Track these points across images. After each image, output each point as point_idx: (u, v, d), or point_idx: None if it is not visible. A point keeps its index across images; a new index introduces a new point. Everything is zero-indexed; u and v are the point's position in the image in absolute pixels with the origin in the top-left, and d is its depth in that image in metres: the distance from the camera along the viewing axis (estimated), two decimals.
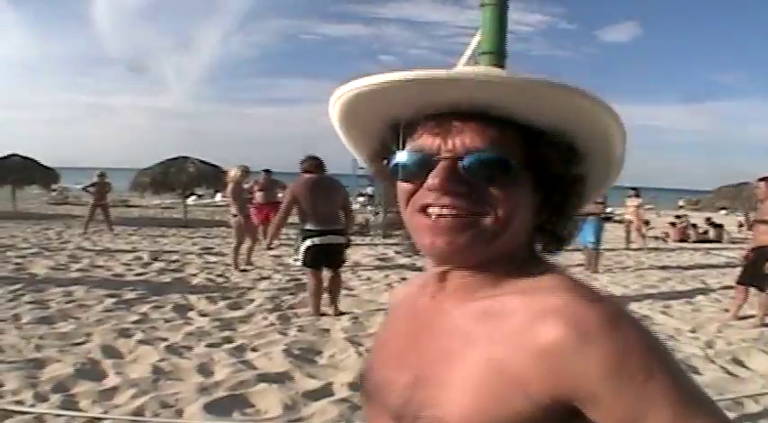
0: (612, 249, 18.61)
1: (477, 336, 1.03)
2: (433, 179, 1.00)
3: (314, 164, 8.41)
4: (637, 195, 20.40)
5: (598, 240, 14.06)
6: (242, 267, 12.64)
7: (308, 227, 8.23)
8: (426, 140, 1.04)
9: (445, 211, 1.01)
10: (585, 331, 0.92)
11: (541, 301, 0.99)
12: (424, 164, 1.03)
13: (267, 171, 16.83)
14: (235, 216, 12.91)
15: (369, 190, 33.44)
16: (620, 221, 22.70)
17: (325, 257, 8.39)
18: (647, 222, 23.86)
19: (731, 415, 5.27)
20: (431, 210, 1.03)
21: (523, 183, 1.03)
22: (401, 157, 1.07)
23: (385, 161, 1.12)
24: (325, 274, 8.56)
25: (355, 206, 29.58)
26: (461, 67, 1.11)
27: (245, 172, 13.36)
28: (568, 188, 1.09)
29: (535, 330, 0.95)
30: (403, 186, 1.07)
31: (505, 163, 1.01)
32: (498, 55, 2.39)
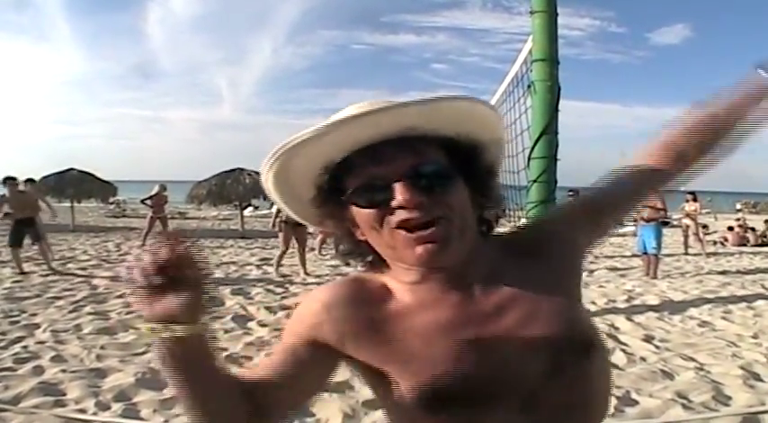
0: (671, 255, 18.38)
1: (522, 276, 1.33)
2: (398, 198, 1.19)
3: None
4: (694, 199, 20.11)
5: (659, 246, 13.91)
6: (281, 273, 13.09)
7: None
8: (372, 170, 1.23)
9: (418, 217, 1.19)
10: None
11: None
12: (382, 189, 1.21)
13: None
14: (284, 222, 13.08)
15: None
16: (678, 226, 22.38)
17: None
18: (705, 226, 23.52)
19: None
20: (410, 223, 1.20)
21: (458, 183, 1.27)
22: (354, 190, 1.25)
23: (327, 207, 1.32)
24: None
25: None
26: (376, 103, 1.23)
27: None
28: (487, 177, 1.37)
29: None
30: (369, 213, 1.24)
31: (443, 170, 1.25)
32: (550, 61, 2.40)
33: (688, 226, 19.94)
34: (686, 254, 18.98)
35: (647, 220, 14.08)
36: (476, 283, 1.31)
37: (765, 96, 1.51)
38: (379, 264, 1.38)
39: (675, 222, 24.14)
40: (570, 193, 18.53)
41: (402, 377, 1.24)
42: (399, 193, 1.18)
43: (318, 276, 13.00)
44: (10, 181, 13.87)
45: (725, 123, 1.51)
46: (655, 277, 13.55)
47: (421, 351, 1.25)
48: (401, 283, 1.34)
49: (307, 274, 13.06)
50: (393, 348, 1.27)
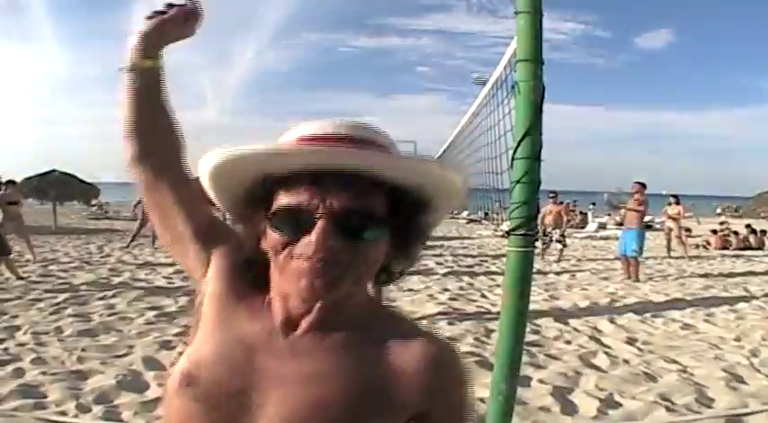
0: (654, 257, 18.49)
1: (347, 360, 1.22)
2: (312, 237, 1.12)
3: None
4: (677, 202, 20.23)
5: (640, 249, 14.00)
6: None
7: None
8: (303, 196, 1.15)
9: (320, 260, 1.12)
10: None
11: (398, 332, 1.28)
12: (302, 220, 1.14)
13: None
14: None
15: None
16: (660, 229, 22.50)
17: None
18: (688, 230, 23.69)
19: None
20: (307, 261, 1.13)
21: (385, 237, 1.20)
22: (278, 211, 1.18)
23: (249, 209, 1.26)
24: None
25: None
26: (347, 131, 1.21)
27: None
28: (417, 237, 1.29)
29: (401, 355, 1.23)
30: (278, 237, 1.17)
31: (376, 224, 1.17)
32: (535, 61, 2.39)
33: (671, 229, 20.05)
34: (669, 257, 19.09)
35: (630, 224, 14.20)
36: (315, 325, 1.23)
37: None
38: (261, 277, 1.29)
39: (658, 225, 24.27)
40: (551, 195, 18.50)
41: (196, 339, 1.29)
42: (317, 234, 1.12)
43: None
44: None
45: None
46: (637, 280, 13.62)
47: (219, 337, 1.26)
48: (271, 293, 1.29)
49: None
50: (212, 316, 1.30)
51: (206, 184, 1.32)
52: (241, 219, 1.32)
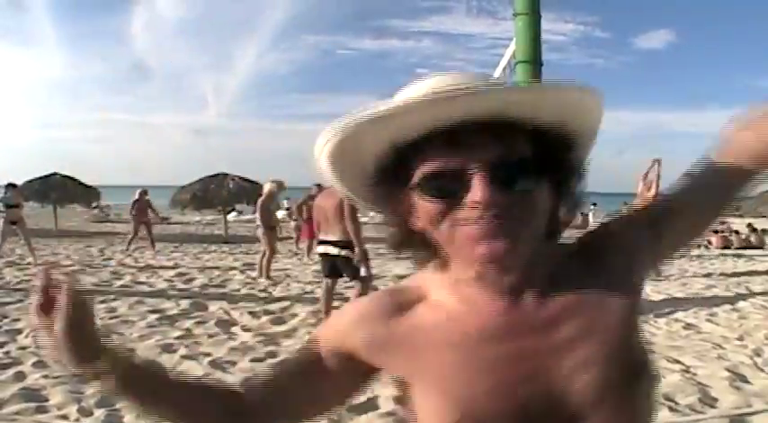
0: None
1: (590, 301, 1.17)
2: (476, 194, 1.02)
3: None
4: None
5: None
6: (273, 278, 13.02)
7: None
8: (449, 157, 1.05)
9: (491, 218, 1.02)
10: None
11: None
12: (456, 181, 1.04)
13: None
14: (258, 227, 13.15)
15: None
16: None
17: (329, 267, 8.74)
18: None
19: None
20: (480, 221, 1.03)
21: (543, 182, 1.09)
22: (426, 177, 1.07)
23: (383, 187, 1.16)
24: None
25: None
26: (467, 78, 1.09)
27: (280, 186, 13.52)
28: (572, 176, 1.17)
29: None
30: (434, 205, 1.07)
31: (532, 167, 1.06)
32: (534, 63, 2.39)
33: None
34: None
35: None
36: (530, 291, 1.16)
37: None
38: (429, 258, 1.21)
39: None
40: None
41: (431, 393, 1.16)
42: (477, 189, 1.02)
43: (301, 282, 12.95)
44: None
45: None
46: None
47: (456, 364, 1.14)
48: (446, 288, 1.21)
49: (269, 278, 13.00)
50: (425, 362, 1.17)
51: (327, 168, 1.18)
52: (377, 200, 1.22)
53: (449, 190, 1.05)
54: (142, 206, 20.09)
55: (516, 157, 1.05)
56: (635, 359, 1.16)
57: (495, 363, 1.13)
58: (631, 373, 1.13)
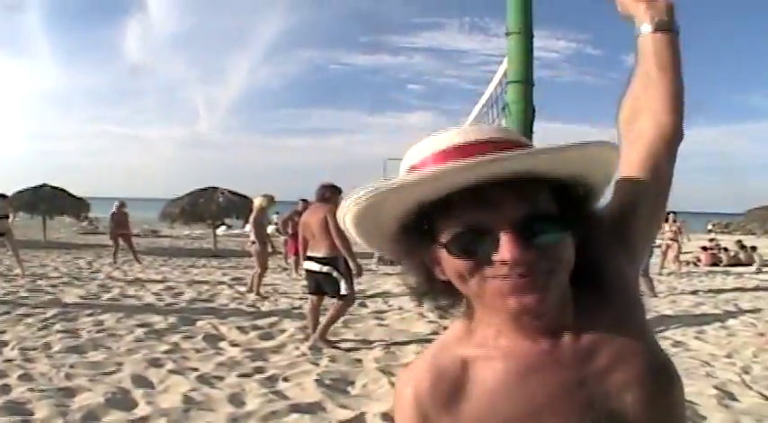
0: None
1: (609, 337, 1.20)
2: (505, 253, 1.04)
3: (327, 192, 8.72)
4: (674, 220, 20.28)
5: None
6: (262, 294, 12.99)
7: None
8: (475, 215, 1.08)
9: (521, 275, 1.05)
10: None
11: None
12: (482, 238, 1.07)
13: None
14: (253, 243, 13.11)
15: None
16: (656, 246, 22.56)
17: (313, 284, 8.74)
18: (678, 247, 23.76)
19: None
20: (507, 279, 1.06)
21: (569, 234, 1.12)
22: (454, 237, 1.09)
23: (408, 244, 1.19)
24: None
25: None
26: (494, 140, 1.13)
27: (270, 200, 13.51)
28: (591, 222, 1.20)
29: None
30: (461, 263, 1.10)
31: (558, 221, 1.10)
32: (525, 83, 2.39)
33: (669, 246, 20.07)
34: (660, 274, 19.09)
35: None
36: (562, 327, 1.20)
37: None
38: (453, 306, 1.27)
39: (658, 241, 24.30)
40: None
41: None
42: (507, 248, 1.04)
43: (290, 297, 12.96)
44: None
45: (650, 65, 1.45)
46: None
47: (521, 407, 1.16)
48: (481, 338, 1.24)
49: (258, 294, 12.96)
50: (488, 413, 1.18)
51: (352, 230, 1.21)
52: (402, 255, 1.25)
53: (477, 248, 1.08)
54: (121, 219, 20.08)
55: (541, 214, 1.09)
56: (663, 370, 1.21)
57: (554, 397, 1.15)
58: (664, 382, 1.20)
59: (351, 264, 8.33)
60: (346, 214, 1.15)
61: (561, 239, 1.10)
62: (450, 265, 1.12)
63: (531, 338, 1.18)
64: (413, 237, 1.17)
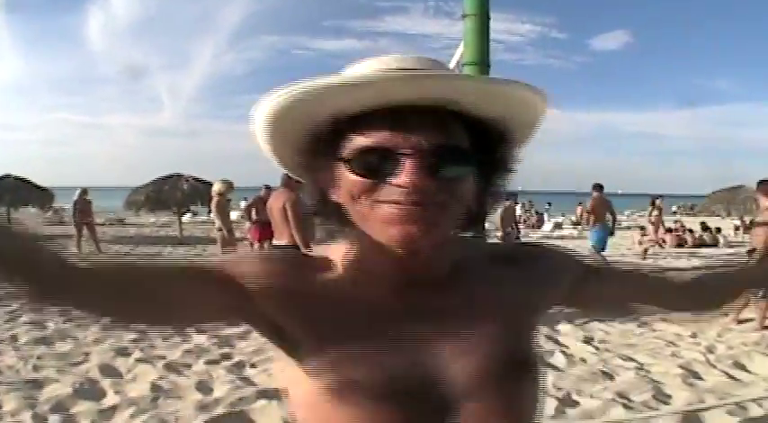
0: (610, 257, 18.69)
1: (493, 293, 1.25)
2: (403, 178, 1.02)
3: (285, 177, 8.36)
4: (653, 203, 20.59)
5: (599, 247, 14.35)
6: None
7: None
8: (385, 136, 1.06)
9: (414, 200, 1.03)
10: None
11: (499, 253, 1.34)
12: (387, 160, 1.05)
13: (268, 187, 14.75)
14: (219, 230, 13.01)
15: None
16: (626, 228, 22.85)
17: None
18: (642, 228, 24.06)
19: (735, 420, 5.29)
20: (401, 202, 1.04)
21: (473, 173, 1.11)
22: (358, 152, 1.07)
23: (314, 156, 1.15)
24: None
25: None
26: (425, 62, 1.14)
27: (229, 186, 13.43)
28: (502, 170, 1.20)
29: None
30: (359, 181, 1.07)
31: (465, 158, 1.09)
32: (482, 65, 2.39)
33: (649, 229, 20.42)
34: (624, 255, 19.27)
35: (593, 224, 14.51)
36: (431, 277, 1.19)
37: None
38: (340, 232, 1.21)
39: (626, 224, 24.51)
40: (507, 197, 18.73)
41: (319, 356, 1.15)
42: (408, 173, 1.02)
43: None
44: None
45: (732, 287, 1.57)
46: None
47: (348, 336, 1.16)
48: (351, 263, 1.22)
49: None
50: (320, 326, 1.17)
51: (261, 129, 1.18)
52: (303, 169, 1.21)
53: (378, 168, 1.06)
54: (84, 207, 19.80)
55: (452, 147, 1.07)
56: (519, 359, 1.21)
57: (383, 341, 1.15)
58: (512, 369, 1.18)
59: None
60: (260, 113, 1.14)
61: (465, 174, 1.09)
62: (348, 182, 1.09)
63: (396, 277, 1.18)
64: (318, 150, 1.14)
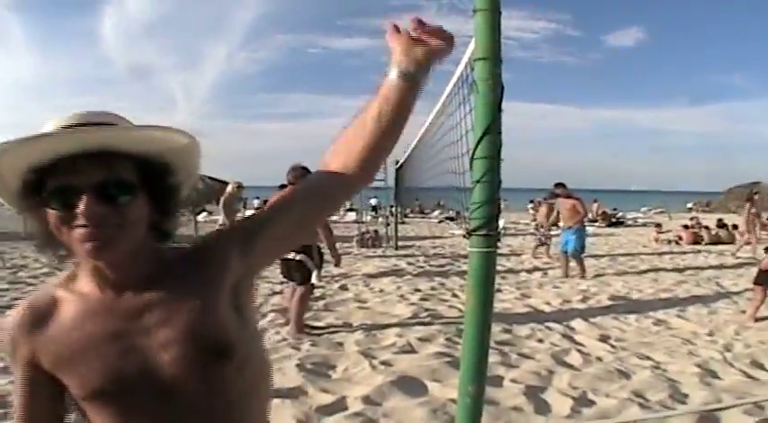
0: (626, 254, 18.59)
1: (172, 285, 1.52)
2: (81, 207, 1.35)
3: (297, 174, 8.51)
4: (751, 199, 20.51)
5: (581, 247, 14.29)
6: None
7: None
8: (67, 177, 1.37)
9: (92, 225, 1.36)
10: None
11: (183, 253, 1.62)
12: (70, 196, 1.37)
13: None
14: (222, 226, 13.03)
15: (373, 201, 33.27)
16: (632, 225, 22.71)
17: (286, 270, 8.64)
18: (659, 225, 23.95)
19: (752, 419, 5.23)
20: (82, 228, 1.36)
21: (140, 198, 1.45)
22: (50, 192, 1.39)
23: (29, 198, 1.43)
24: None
25: (366, 218, 29.46)
26: (83, 118, 1.44)
27: (239, 187, 13.58)
28: (169, 195, 1.55)
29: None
30: (55, 214, 1.39)
31: (127, 186, 1.42)
32: (493, 60, 2.36)
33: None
34: (641, 253, 19.17)
35: (570, 226, 14.33)
36: (130, 284, 1.50)
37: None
38: (69, 256, 1.51)
39: (630, 221, 24.35)
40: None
41: (72, 380, 1.46)
42: (83, 204, 1.35)
43: (270, 282, 12.88)
44: None
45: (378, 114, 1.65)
46: (583, 277, 13.86)
47: (77, 345, 1.46)
48: (72, 290, 1.56)
49: None
50: (61, 347, 1.48)
51: None
52: (25, 210, 1.48)
53: (66, 203, 1.37)
54: None
55: (117, 180, 1.40)
56: (212, 343, 1.47)
57: (99, 341, 1.46)
58: (210, 353, 1.47)
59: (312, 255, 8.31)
60: None
61: (130, 201, 1.41)
62: (51, 216, 1.40)
63: (103, 286, 1.50)
64: (30, 195, 1.42)
